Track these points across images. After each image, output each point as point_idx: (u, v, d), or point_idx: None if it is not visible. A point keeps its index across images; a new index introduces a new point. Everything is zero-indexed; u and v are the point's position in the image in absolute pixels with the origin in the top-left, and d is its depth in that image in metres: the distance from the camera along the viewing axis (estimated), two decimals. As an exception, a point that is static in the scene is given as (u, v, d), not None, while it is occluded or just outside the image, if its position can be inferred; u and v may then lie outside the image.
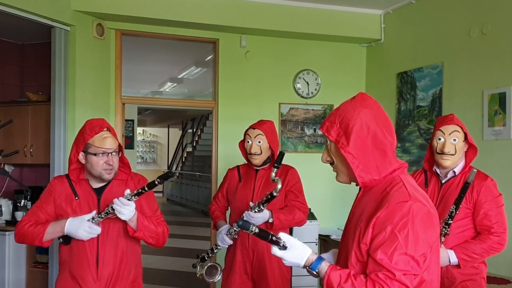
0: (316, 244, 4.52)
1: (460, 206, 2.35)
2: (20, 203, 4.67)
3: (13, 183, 4.75)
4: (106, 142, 2.21)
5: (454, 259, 2.36)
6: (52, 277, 4.07)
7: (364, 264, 1.37)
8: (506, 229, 2.41)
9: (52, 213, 2.29)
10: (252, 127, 2.97)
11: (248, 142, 2.93)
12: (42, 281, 4.40)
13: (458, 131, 2.42)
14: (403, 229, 1.31)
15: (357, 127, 1.44)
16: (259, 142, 2.90)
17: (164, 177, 2.07)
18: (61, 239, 2.24)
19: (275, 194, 2.56)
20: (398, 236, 1.30)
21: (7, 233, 4.34)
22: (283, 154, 2.73)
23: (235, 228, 2.77)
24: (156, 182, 2.07)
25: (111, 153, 2.23)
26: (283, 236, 1.43)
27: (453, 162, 2.44)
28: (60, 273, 2.32)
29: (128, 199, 2.10)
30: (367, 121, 1.45)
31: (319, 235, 4.62)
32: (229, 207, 3.15)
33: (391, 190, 1.40)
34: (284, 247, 1.42)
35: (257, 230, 1.39)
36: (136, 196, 2.11)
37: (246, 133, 2.98)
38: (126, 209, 2.10)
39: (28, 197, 4.64)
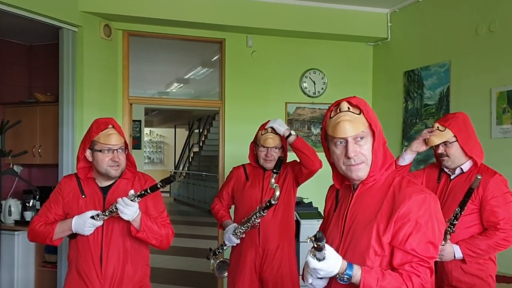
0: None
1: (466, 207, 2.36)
2: (29, 203, 4.70)
3: (22, 183, 4.79)
4: (111, 138, 2.22)
5: (459, 254, 2.36)
6: (61, 277, 4.10)
7: (384, 258, 1.46)
8: None
9: (61, 213, 2.33)
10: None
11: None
12: (51, 280, 4.42)
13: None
14: (426, 219, 1.43)
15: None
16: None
17: (166, 181, 2.09)
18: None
19: (273, 202, 2.54)
20: (423, 226, 1.43)
21: (16, 233, 4.38)
22: (282, 159, 2.73)
23: (240, 229, 2.79)
24: (159, 186, 2.10)
25: (116, 150, 2.24)
26: (327, 246, 1.37)
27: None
28: (69, 270, 2.36)
29: (132, 200, 2.11)
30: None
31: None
32: (232, 206, 3.15)
33: (402, 185, 1.50)
34: (323, 258, 1.36)
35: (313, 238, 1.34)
36: (139, 198, 2.12)
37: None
38: (128, 209, 2.11)
39: (37, 197, 4.68)
